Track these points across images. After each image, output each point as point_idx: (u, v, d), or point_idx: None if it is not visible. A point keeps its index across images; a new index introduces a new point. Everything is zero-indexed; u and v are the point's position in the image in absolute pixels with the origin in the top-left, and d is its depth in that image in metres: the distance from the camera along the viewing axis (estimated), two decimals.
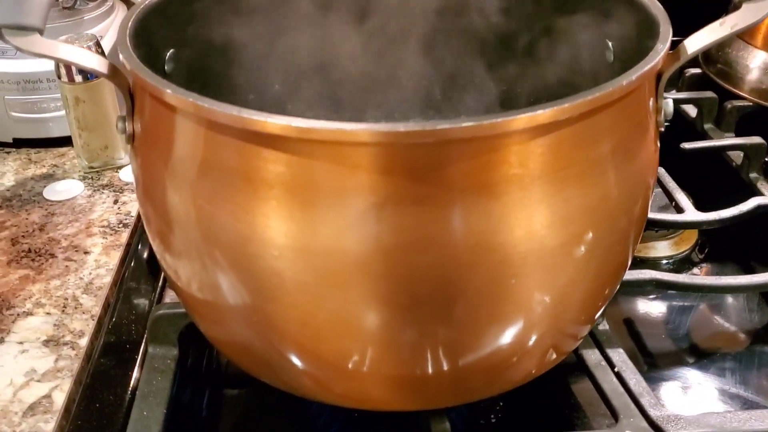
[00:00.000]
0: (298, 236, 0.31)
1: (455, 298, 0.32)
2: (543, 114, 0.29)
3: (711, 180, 0.64)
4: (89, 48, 0.60)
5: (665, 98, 0.37)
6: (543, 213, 0.31)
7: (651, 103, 0.36)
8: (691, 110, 0.70)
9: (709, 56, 0.74)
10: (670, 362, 0.51)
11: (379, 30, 0.49)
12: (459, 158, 0.29)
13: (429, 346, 0.34)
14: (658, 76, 0.36)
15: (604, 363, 0.44)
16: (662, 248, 0.60)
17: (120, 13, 0.73)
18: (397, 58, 0.48)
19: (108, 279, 0.53)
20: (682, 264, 0.59)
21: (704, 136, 0.68)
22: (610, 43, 0.43)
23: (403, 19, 0.48)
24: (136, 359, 0.46)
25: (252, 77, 0.47)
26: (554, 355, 0.39)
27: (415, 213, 0.30)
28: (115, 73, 0.35)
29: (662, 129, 0.37)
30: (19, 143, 0.69)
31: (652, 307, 0.55)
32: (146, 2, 0.40)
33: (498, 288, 0.32)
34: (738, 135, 0.67)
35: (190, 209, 0.33)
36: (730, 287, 0.46)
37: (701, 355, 0.51)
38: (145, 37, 0.38)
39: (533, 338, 0.35)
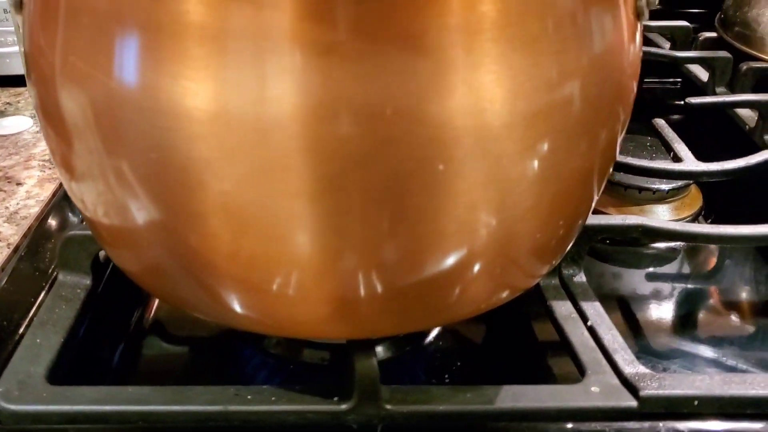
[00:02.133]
0: (210, 102, 0.25)
1: (372, 183, 0.26)
2: None
3: (719, 142, 0.57)
4: None
5: None
6: (484, 80, 0.25)
7: None
8: (702, 73, 0.64)
9: (725, 19, 0.68)
10: (662, 338, 0.45)
11: None
12: None
13: (346, 243, 0.27)
14: None
15: (575, 315, 0.38)
16: (661, 212, 0.53)
17: None
18: None
19: (35, 210, 0.48)
20: None
21: None
22: None
23: None
24: (45, 288, 0.41)
25: None
26: (506, 292, 0.33)
27: (323, 67, 0.24)
28: None
29: (644, 19, 0.31)
30: None
31: (647, 286, 0.49)
32: None
33: (425, 173, 0.26)
34: None
35: (82, 95, 0.28)
36: (727, 237, 0.39)
37: (700, 331, 0.45)
38: None
39: (475, 255, 0.29)
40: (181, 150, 0.26)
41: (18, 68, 0.63)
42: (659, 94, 0.71)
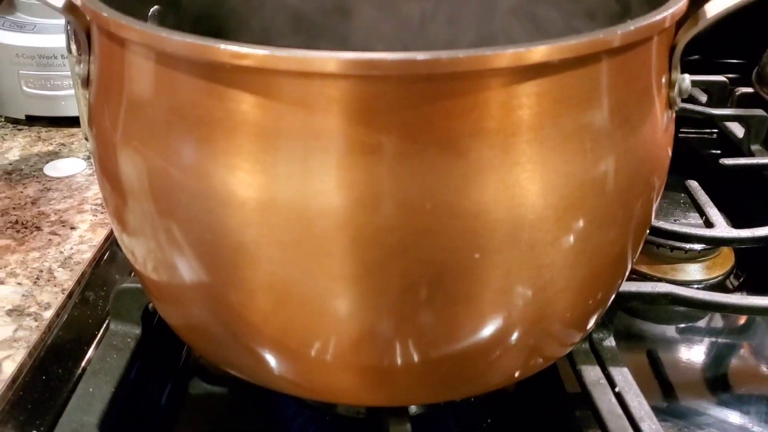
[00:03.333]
0: (258, 190, 0.27)
1: (411, 270, 0.27)
2: (524, 53, 0.25)
3: (750, 201, 0.58)
4: None
5: (681, 75, 0.32)
6: (518, 178, 0.27)
7: (663, 78, 0.31)
8: (738, 129, 0.65)
9: (762, 74, 0.68)
10: (691, 398, 0.45)
11: None
12: (419, 101, 0.25)
13: (385, 322, 0.29)
14: (672, 48, 0.31)
15: (603, 381, 0.39)
16: (693, 271, 0.54)
17: None
18: None
19: (88, 255, 0.51)
20: (713, 289, 0.53)
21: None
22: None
23: None
24: (97, 335, 0.43)
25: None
26: (539, 361, 0.34)
27: (366, 165, 0.26)
28: (71, 9, 0.32)
29: (677, 108, 0.32)
30: (32, 120, 0.68)
31: (677, 342, 0.50)
32: None
33: (461, 262, 0.27)
34: None
35: (141, 168, 0.30)
36: (756, 308, 0.40)
37: (728, 394, 0.45)
38: None
39: (509, 331, 0.31)
40: (233, 233, 0.28)
41: (73, 110, 0.67)
42: (695, 145, 0.72)
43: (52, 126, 0.68)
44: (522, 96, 0.26)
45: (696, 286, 0.53)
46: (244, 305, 0.31)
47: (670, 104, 0.32)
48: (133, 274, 0.48)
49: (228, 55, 0.25)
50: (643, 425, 0.36)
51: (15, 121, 0.69)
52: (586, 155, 0.28)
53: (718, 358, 0.48)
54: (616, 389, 0.39)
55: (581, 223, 0.29)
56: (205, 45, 0.25)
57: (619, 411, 0.37)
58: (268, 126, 0.26)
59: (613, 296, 0.36)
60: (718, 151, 0.70)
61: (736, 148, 0.63)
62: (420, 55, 0.24)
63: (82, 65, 0.34)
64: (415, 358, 0.31)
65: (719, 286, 0.54)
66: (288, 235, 0.27)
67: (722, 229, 0.47)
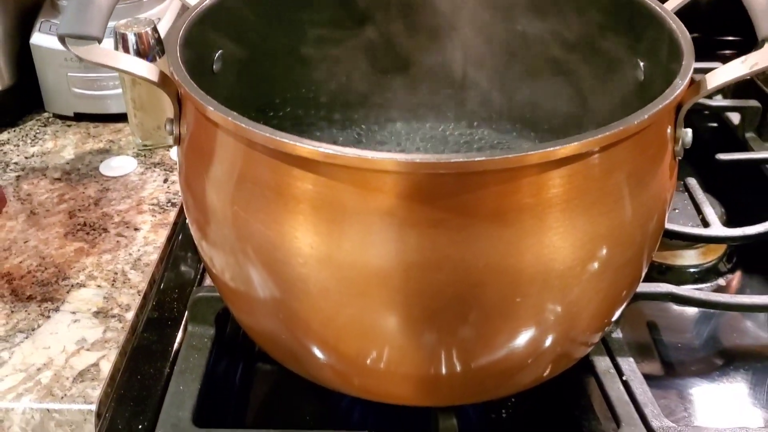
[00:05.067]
0: (321, 248, 0.33)
1: (466, 313, 0.34)
2: (556, 150, 0.31)
3: (746, 192, 0.64)
4: (146, 33, 0.64)
5: (684, 129, 0.38)
6: (552, 239, 0.33)
7: (669, 131, 0.37)
8: (735, 117, 0.70)
9: None
10: (688, 371, 0.52)
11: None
12: (473, 188, 0.31)
13: (442, 352, 0.36)
14: (678, 107, 0.37)
15: (612, 371, 0.46)
16: (689, 257, 0.61)
17: None
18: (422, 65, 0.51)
19: (155, 256, 0.57)
20: (708, 273, 0.60)
21: (745, 144, 0.68)
22: (641, 63, 0.44)
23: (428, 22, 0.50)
24: (177, 335, 0.50)
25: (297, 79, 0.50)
26: (566, 362, 0.42)
27: (431, 235, 0.32)
28: (164, 80, 0.38)
29: (680, 158, 0.38)
30: (80, 117, 0.74)
31: (676, 312, 0.56)
32: (196, 9, 0.42)
33: (506, 305, 0.34)
34: None
35: (226, 211, 0.36)
36: (746, 306, 0.47)
37: (725, 365, 0.52)
38: (196, 39, 0.41)
39: (542, 348, 0.38)
40: (298, 279, 0.35)
41: (117, 108, 0.72)
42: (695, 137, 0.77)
43: (98, 122, 0.73)
44: (554, 178, 0.32)
45: (692, 269, 0.60)
46: (307, 321, 0.37)
47: (675, 156, 0.38)
48: (205, 276, 0.55)
49: (301, 150, 0.31)
50: (646, 410, 0.44)
51: (63, 118, 0.74)
52: (607, 215, 0.34)
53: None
54: (624, 377, 0.46)
55: (602, 265, 0.35)
56: (282, 141, 0.31)
57: (626, 398, 0.45)
58: (332, 203, 0.32)
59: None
60: (716, 136, 0.75)
61: (733, 135, 0.69)
62: (478, 157, 0.30)
63: (174, 125, 0.39)
64: (459, 368, 0.38)
65: (713, 269, 0.60)
66: (345, 285, 0.34)
67: (717, 228, 0.54)
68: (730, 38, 0.87)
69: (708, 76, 0.36)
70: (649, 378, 0.47)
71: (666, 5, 0.42)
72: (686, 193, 0.59)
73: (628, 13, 0.44)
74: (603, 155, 0.33)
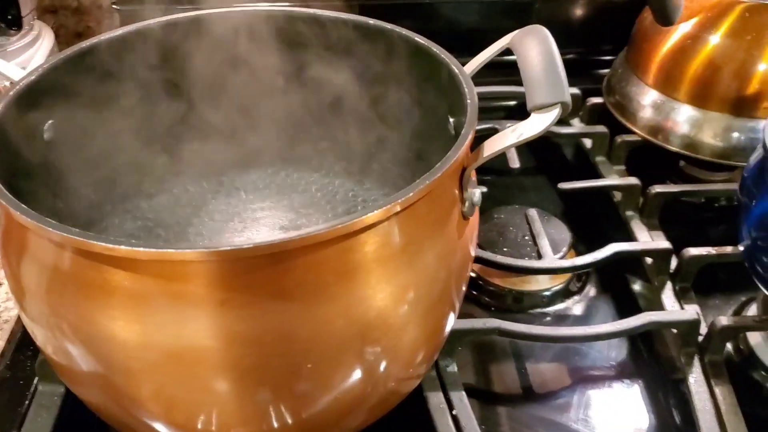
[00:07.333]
0: (135, 332, 0.35)
1: (267, 378, 0.37)
2: (326, 233, 0.33)
3: (594, 216, 0.68)
4: (3, 88, 0.64)
5: (472, 190, 0.40)
6: (335, 311, 0.35)
7: (456, 193, 0.40)
8: (588, 142, 0.74)
9: (609, 87, 0.77)
10: (519, 397, 0.54)
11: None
12: (253, 269, 0.34)
13: (258, 410, 0.38)
14: (462, 171, 0.40)
15: (443, 405, 0.49)
16: (542, 281, 0.64)
17: (46, 41, 0.76)
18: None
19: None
20: (558, 295, 0.63)
21: (596, 168, 0.72)
22: (450, 119, 0.47)
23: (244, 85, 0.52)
24: (28, 395, 0.51)
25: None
26: (397, 397, 0.44)
27: (220, 314, 0.34)
28: None
29: (471, 216, 0.41)
30: None
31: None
32: (22, 83, 0.44)
33: (300, 370, 0.36)
34: (629, 167, 0.72)
35: (41, 293, 0.38)
36: (567, 337, 0.51)
37: (567, 389, 0.55)
38: (27, 108, 0.43)
39: (364, 393, 0.40)
40: (118, 360, 0.36)
41: None
42: (550, 158, 0.80)
43: None
44: (330, 258, 0.34)
45: (545, 292, 0.63)
46: (132, 397, 0.39)
47: (465, 216, 0.41)
48: None
49: (100, 248, 0.32)
50: None
51: None
52: (389, 285, 0.37)
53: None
54: (454, 412, 0.49)
55: (384, 333, 0.38)
56: (84, 241, 0.33)
57: None
58: (137, 291, 0.34)
59: (448, 332, 0.46)
60: (573, 158, 0.79)
61: (586, 157, 0.73)
62: (250, 244, 0.32)
63: None
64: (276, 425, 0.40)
65: (564, 291, 0.64)
66: (164, 364, 0.36)
67: (549, 260, 0.57)
68: (606, 58, 0.90)
69: (485, 143, 0.39)
70: (484, 409, 0.51)
71: (465, 68, 0.45)
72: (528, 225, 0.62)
73: (446, 74, 0.46)
74: (377, 229, 0.35)
